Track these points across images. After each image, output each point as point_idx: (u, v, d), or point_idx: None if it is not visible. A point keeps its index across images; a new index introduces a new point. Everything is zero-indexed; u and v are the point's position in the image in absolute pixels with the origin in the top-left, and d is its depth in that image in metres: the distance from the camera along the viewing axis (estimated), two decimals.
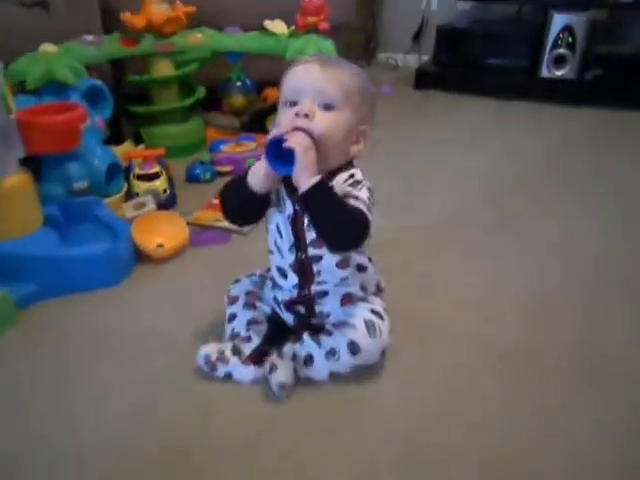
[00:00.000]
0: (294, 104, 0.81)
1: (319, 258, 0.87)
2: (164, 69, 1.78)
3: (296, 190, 0.79)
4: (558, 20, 2.39)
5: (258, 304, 0.99)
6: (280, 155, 0.78)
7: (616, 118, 2.29)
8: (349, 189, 0.82)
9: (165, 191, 1.48)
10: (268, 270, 1.04)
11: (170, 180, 1.54)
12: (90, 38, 1.60)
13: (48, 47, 1.42)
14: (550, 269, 1.25)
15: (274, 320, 0.98)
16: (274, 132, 0.79)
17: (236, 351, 0.91)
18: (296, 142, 0.76)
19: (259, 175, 0.82)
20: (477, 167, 1.81)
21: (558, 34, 2.41)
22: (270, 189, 0.84)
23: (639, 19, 2.63)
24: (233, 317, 0.97)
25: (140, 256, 1.26)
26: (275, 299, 0.98)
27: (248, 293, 1.00)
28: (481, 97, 2.54)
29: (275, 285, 0.97)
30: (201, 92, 1.89)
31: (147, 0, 1.68)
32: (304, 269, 0.89)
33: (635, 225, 1.45)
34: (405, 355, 0.96)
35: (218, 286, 1.12)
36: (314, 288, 0.91)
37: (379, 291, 0.97)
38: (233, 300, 0.99)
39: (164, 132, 1.82)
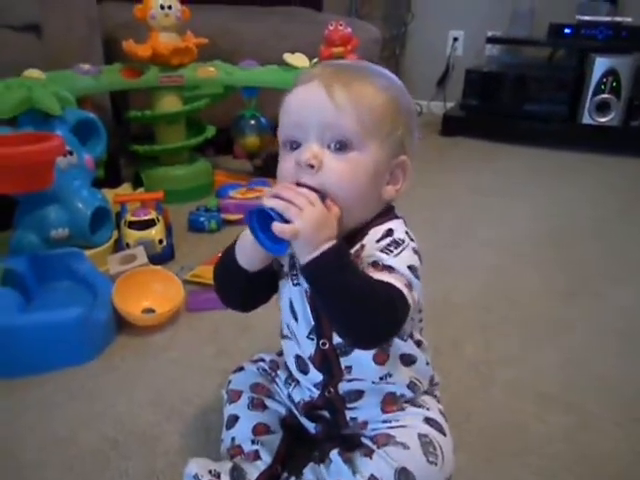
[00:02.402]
0: (296, 145, 0.58)
1: (349, 349, 0.62)
2: (170, 104, 1.58)
3: None
4: (601, 64, 2.21)
5: (268, 403, 0.72)
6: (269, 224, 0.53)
7: None
8: (380, 255, 0.57)
9: (161, 242, 1.25)
10: (280, 354, 0.79)
11: (168, 229, 1.31)
12: (86, 67, 1.42)
13: (33, 73, 1.23)
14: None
15: (290, 426, 0.72)
16: (271, 190, 0.56)
17: (238, 474, 0.65)
18: (294, 212, 0.52)
19: (246, 249, 0.59)
20: (522, 218, 1.57)
21: (601, 79, 2.21)
22: (266, 264, 0.61)
23: None
24: (234, 421, 0.71)
25: (122, 323, 1.01)
26: (291, 398, 0.72)
27: (254, 387, 0.74)
28: (513, 145, 2.34)
29: (290, 378, 0.71)
30: (210, 131, 1.69)
31: (154, 28, 1.51)
32: (328, 363, 0.64)
33: None
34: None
35: (217, 369, 0.89)
36: (343, 387, 0.65)
37: (432, 385, 0.70)
38: (234, 397, 0.73)
39: (166, 174, 1.61)
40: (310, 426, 0.70)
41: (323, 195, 0.56)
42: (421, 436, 0.61)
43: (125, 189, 1.58)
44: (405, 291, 0.55)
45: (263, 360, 0.78)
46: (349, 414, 0.66)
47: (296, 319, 0.64)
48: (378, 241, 0.58)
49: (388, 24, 2.81)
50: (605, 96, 2.22)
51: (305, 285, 0.62)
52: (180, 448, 0.76)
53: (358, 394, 0.65)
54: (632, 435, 0.79)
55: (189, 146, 1.64)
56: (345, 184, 0.56)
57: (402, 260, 0.57)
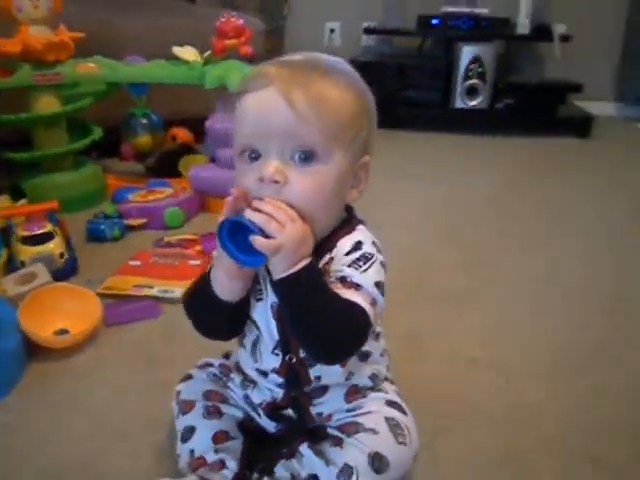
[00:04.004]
0: (255, 155, 0.56)
1: None
2: (48, 105, 1.44)
3: None
4: (467, 52, 2.40)
5: (224, 408, 0.70)
6: (243, 236, 0.52)
7: (530, 145, 2.31)
8: (349, 271, 0.57)
9: (62, 255, 1.14)
10: (227, 356, 0.76)
11: (67, 241, 1.20)
12: None
13: None
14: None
15: (249, 428, 0.70)
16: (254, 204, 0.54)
17: None
18: (275, 227, 0.52)
19: (224, 282, 0.58)
20: (416, 200, 1.67)
21: (468, 65, 2.41)
22: (246, 290, 0.59)
23: (531, 51, 2.75)
24: (190, 432, 0.67)
25: (34, 349, 0.91)
26: (248, 399, 0.70)
27: (208, 394, 0.70)
28: (394, 130, 2.45)
29: (247, 380, 0.69)
30: (97, 132, 1.56)
31: (23, 22, 1.36)
32: (295, 374, 0.63)
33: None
34: (441, 453, 0.73)
35: (151, 382, 0.85)
36: (308, 387, 0.65)
37: (387, 371, 0.72)
38: (186, 407, 0.70)
39: (52, 182, 1.47)
40: (270, 426, 0.69)
41: None
42: (388, 419, 0.63)
43: (2, 202, 1.42)
44: (369, 310, 0.56)
45: (211, 365, 0.75)
46: (314, 410, 0.66)
47: (260, 334, 0.63)
48: (347, 254, 0.58)
49: (264, 16, 2.79)
50: (473, 81, 2.42)
51: (270, 301, 0.60)
52: (131, 472, 0.71)
53: (323, 390, 0.65)
54: (551, 385, 0.89)
55: (74, 150, 1.51)
56: (311, 198, 0.55)
57: (369, 277, 0.57)
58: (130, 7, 1.96)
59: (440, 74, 2.49)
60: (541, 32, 2.47)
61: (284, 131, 0.53)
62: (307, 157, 0.54)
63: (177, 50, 1.48)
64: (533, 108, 2.46)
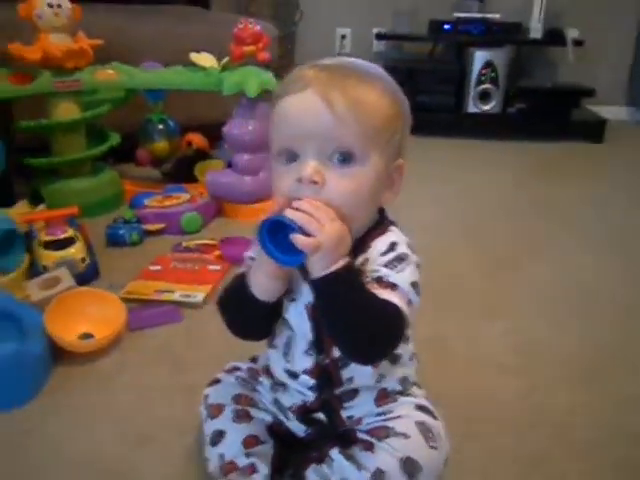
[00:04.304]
0: (293, 156, 0.56)
1: (349, 360, 0.62)
2: (67, 111, 1.45)
3: None
4: (480, 57, 2.40)
5: (253, 412, 0.70)
6: (282, 236, 0.53)
7: (543, 149, 2.31)
8: (386, 271, 0.57)
9: (84, 260, 1.14)
10: (254, 360, 0.76)
11: (88, 246, 1.21)
12: None
13: None
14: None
15: (278, 432, 0.70)
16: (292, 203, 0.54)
17: None
18: (315, 226, 0.52)
19: (263, 283, 0.58)
20: (433, 201, 1.66)
21: (481, 70, 2.41)
22: (282, 290, 0.60)
23: (544, 55, 2.74)
24: (219, 437, 0.67)
25: (59, 353, 0.92)
26: (277, 402, 0.70)
27: (236, 398, 0.71)
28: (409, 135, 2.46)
29: (277, 384, 0.69)
30: (115, 138, 1.57)
31: (42, 29, 1.37)
32: (327, 375, 0.63)
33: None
34: (469, 457, 0.72)
35: (177, 386, 0.86)
36: (339, 389, 0.65)
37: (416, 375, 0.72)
38: (215, 411, 0.70)
39: (70, 188, 1.48)
40: (299, 429, 0.69)
41: None
42: (418, 424, 0.63)
43: (22, 207, 1.43)
44: (405, 310, 0.56)
45: (239, 369, 0.75)
46: (345, 413, 0.66)
47: (294, 334, 0.63)
48: (383, 254, 0.58)
49: (277, 22, 2.81)
50: (486, 86, 2.42)
51: (304, 301, 0.61)
52: (159, 477, 0.71)
53: (354, 393, 0.65)
54: (575, 388, 0.88)
55: (92, 156, 1.52)
56: (349, 200, 0.55)
57: (405, 277, 0.57)
58: (146, 14, 1.98)
59: (452, 79, 2.50)
60: (553, 37, 2.47)
61: (322, 133, 0.54)
62: (345, 159, 0.55)
63: (194, 56, 1.49)
64: (546, 112, 2.46)
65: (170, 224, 1.40)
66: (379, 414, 0.66)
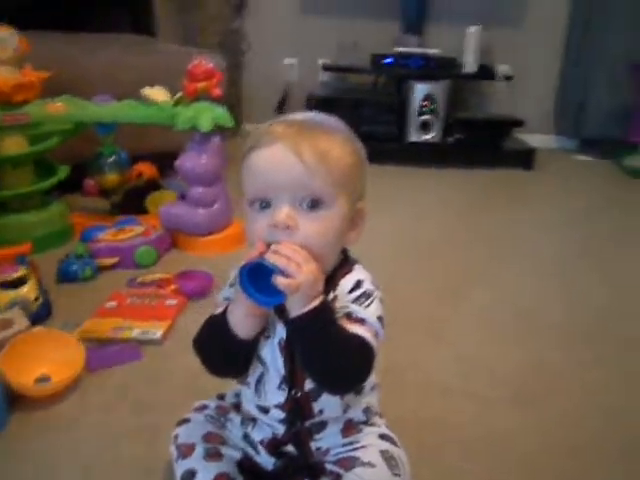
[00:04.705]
0: (265, 204, 0.61)
1: (319, 392, 0.66)
2: (15, 146, 1.43)
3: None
4: (420, 89, 2.53)
5: (224, 450, 0.72)
6: (261, 278, 0.57)
7: (480, 176, 2.46)
8: (354, 307, 0.63)
9: (37, 299, 1.13)
10: (221, 397, 0.79)
11: (40, 283, 1.19)
12: None
13: None
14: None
15: (246, 467, 0.72)
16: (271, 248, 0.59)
17: None
18: (295, 268, 0.57)
19: (241, 319, 0.62)
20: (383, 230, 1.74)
21: (421, 102, 2.54)
22: (261, 327, 0.64)
23: (478, 88, 2.93)
24: (191, 476, 0.69)
25: (17, 398, 0.90)
26: (247, 437, 0.72)
27: (207, 436, 0.72)
28: None
29: (247, 419, 0.72)
30: (63, 171, 1.55)
31: None
32: (299, 408, 0.67)
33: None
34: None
35: (141, 426, 0.86)
36: (309, 421, 0.68)
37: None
38: (186, 451, 0.71)
39: (19, 222, 1.45)
40: (269, 463, 0.72)
41: None
42: (382, 452, 0.68)
43: None
44: (373, 342, 0.62)
45: (207, 407, 0.77)
46: (314, 445, 0.69)
47: (267, 370, 0.66)
48: (350, 292, 0.64)
49: (224, 52, 2.85)
50: (426, 117, 2.55)
51: (277, 337, 0.65)
52: None
53: (322, 425, 0.69)
54: (520, 407, 0.96)
55: (42, 189, 1.50)
56: (320, 241, 0.60)
57: (372, 312, 0.63)
58: (95, 43, 1.97)
59: (395, 109, 2.62)
60: (486, 71, 2.64)
61: (294, 182, 0.59)
62: (314, 204, 0.60)
63: (147, 91, 1.51)
64: (481, 142, 2.62)
65: (123, 258, 1.40)
66: (345, 444, 0.70)
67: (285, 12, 2.96)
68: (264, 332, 0.65)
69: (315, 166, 0.59)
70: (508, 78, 2.63)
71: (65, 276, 1.31)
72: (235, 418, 0.74)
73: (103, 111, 1.51)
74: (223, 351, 0.65)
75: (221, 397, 0.79)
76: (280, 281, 0.56)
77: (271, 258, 0.57)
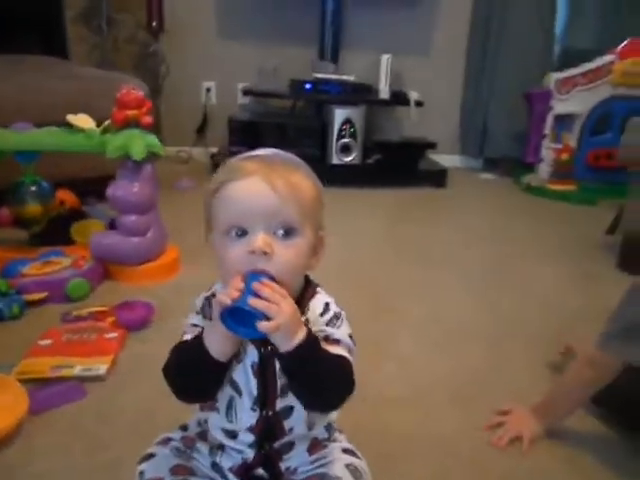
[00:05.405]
0: (242, 232, 0.65)
1: (290, 410, 0.69)
2: None
3: None
4: (340, 114, 2.65)
5: None
6: (243, 313, 0.60)
7: (398, 194, 2.61)
8: (330, 330, 0.68)
9: None
10: (185, 428, 0.79)
11: None
12: None
13: None
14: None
15: None
16: (222, 292, 0.62)
17: None
18: (274, 310, 0.60)
19: (219, 342, 0.64)
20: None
21: (341, 126, 2.65)
22: (237, 348, 0.66)
23: (392, 113, 3.10)
24: None
25: None
26: (215, 466, 0.74)
27: (174, 469, 0.72)
28: None
29: (215, 447, 0.73)
30: None
31: None
32: (270, 428, 0.70)
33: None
34: None
35: (101, 469, 0.85)
36: (279, 442, 0.71)
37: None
38: None
39: None
40: None
41: (272, 278, 0.62)
42: (348, 465, 0.72)
43: None
44: (350, 358, 0.67)
45: (172, 440, 0.77)
46: (283, 465, 0.72)
47: (239, 394, 0.68)
48: (321, 315, 0.68)
49: (141, 74, 2.80)
50: (346, 140, 2.67)
51: (249, 360, 0.67)
52: None
53: (290, 445, 0.72)
54: (458, 411, 1.04)
55: None
56: (292, 267, 0.65)
57: (344, 331, 0.69)
58: (5, 66, 1.88)
59: (316, 133, 2.71)
60: (399, 97, 2.81)
61: (269, 210, 0.63)
62: (287, 232, 0.65)
63: (71, 117, 1.47)
64: (398, 163, 2.79)
65: (53, 292, 1.34)
66: (312, 462, 0.73)
67: (203, 36, 2.98)
68: (237, 355, 0.67)
69: (287, 196, 0.64)
70: (419, 104, 2.81)
71: None
72: (202, 447, 0.75)
73: (25, 139, 1.45)
74: (198, 375, 0.66)
75: (184, 428, 0.79)
76: (262, 326, 0.60)
77: (253, 303, 0.60)
